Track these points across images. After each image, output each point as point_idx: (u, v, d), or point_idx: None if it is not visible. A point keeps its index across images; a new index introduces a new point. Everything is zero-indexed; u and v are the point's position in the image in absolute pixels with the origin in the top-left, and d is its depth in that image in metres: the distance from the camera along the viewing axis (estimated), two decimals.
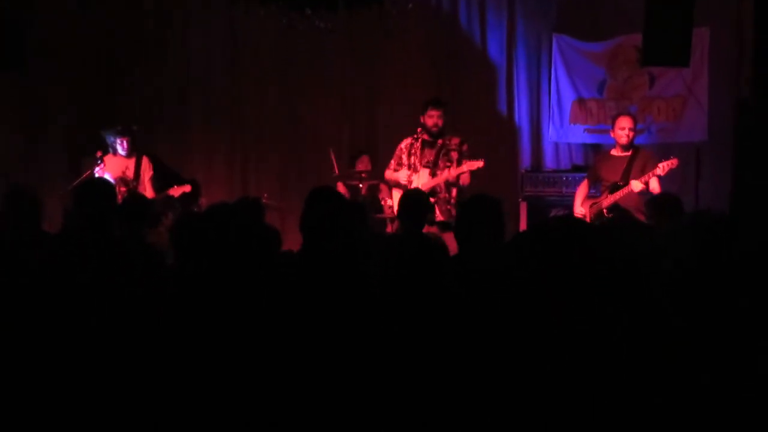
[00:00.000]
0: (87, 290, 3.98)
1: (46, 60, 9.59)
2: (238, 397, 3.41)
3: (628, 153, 7.72)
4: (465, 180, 7.89)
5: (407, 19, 8.96)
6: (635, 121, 7.91)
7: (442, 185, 7.87)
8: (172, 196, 8.52)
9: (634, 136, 7.78)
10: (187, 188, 8.58)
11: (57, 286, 4.01)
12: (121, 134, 8.56)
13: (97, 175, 7.97)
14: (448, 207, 7.82)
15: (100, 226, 4.80)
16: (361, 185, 8.77)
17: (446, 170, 7.87)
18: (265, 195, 8.80)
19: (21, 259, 4.27)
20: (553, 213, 8.79)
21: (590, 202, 7.86)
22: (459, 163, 7.91)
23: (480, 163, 7.74)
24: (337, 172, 9.00)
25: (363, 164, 9.43)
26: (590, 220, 7.71)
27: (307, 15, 7.25)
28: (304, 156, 10.51)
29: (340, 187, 8.92)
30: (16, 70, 8.28)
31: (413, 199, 5.80)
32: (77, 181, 7.95)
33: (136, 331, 3.63)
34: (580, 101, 9.84)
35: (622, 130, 7.74)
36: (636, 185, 7.40)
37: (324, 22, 7.44)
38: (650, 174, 7.37)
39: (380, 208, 8.53)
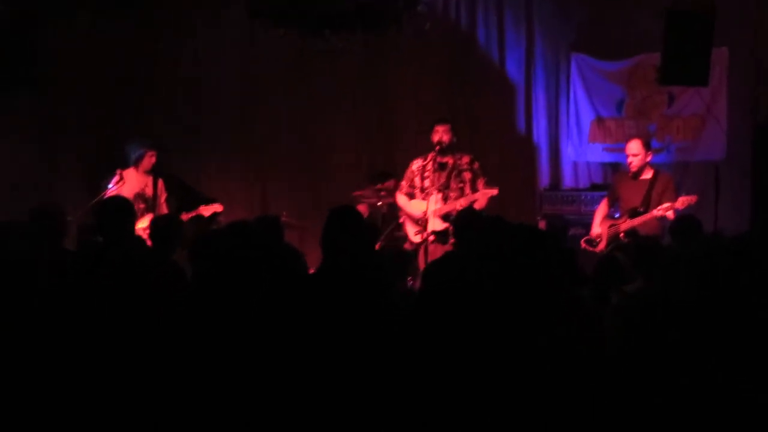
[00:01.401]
0: (107, 306, 4.01)
1: (58, 79, 9.54)
2: (258, 412, 3.43)
3: (649, 176, 7.74)
4: (480, 207, 7.82)
5: (425, 39, 8.93)
6: (647, 143, 7.91)
7: (454, 212, 7.66)
8: (202, 215, 8.39)
9: (644, 160, 7.77)
10: (219, 207, 8.41)
11: (78, 303, 4.04)
12: (152, 147, 8.38)
13: (115, 192, 7.88)
14: None
15: (119, 243, 4.82)
16: (380, 203, 8.76)
17: (459, 198, 7.84)
18: (285, 213, 8.73)
19: (43, 276, 4.31)
20: (571, 232, 8.77)
21: (609, 222, 7.84)
22: (473, 183, 7.95)
23: (494, 191, 7.79)
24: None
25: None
26: (607, 241, 7.72)
27: (326, 36, 7.23)
28: (322, 176, 10.48)
29: (361, 207, 8.85)
30: (27, 88, 8.25)
31: (468, 220, 5.76)
32: (96, 199, 7.90)
33: (156, 348, 3.66)
34: (599, 120, 9.83)
35: (627, 157, 7.83)
36: (657, 212, 7.43)
37: (342, 42, 7.41)
38: (671, 206, 7.38)
39: (399, 226, 8.45)
